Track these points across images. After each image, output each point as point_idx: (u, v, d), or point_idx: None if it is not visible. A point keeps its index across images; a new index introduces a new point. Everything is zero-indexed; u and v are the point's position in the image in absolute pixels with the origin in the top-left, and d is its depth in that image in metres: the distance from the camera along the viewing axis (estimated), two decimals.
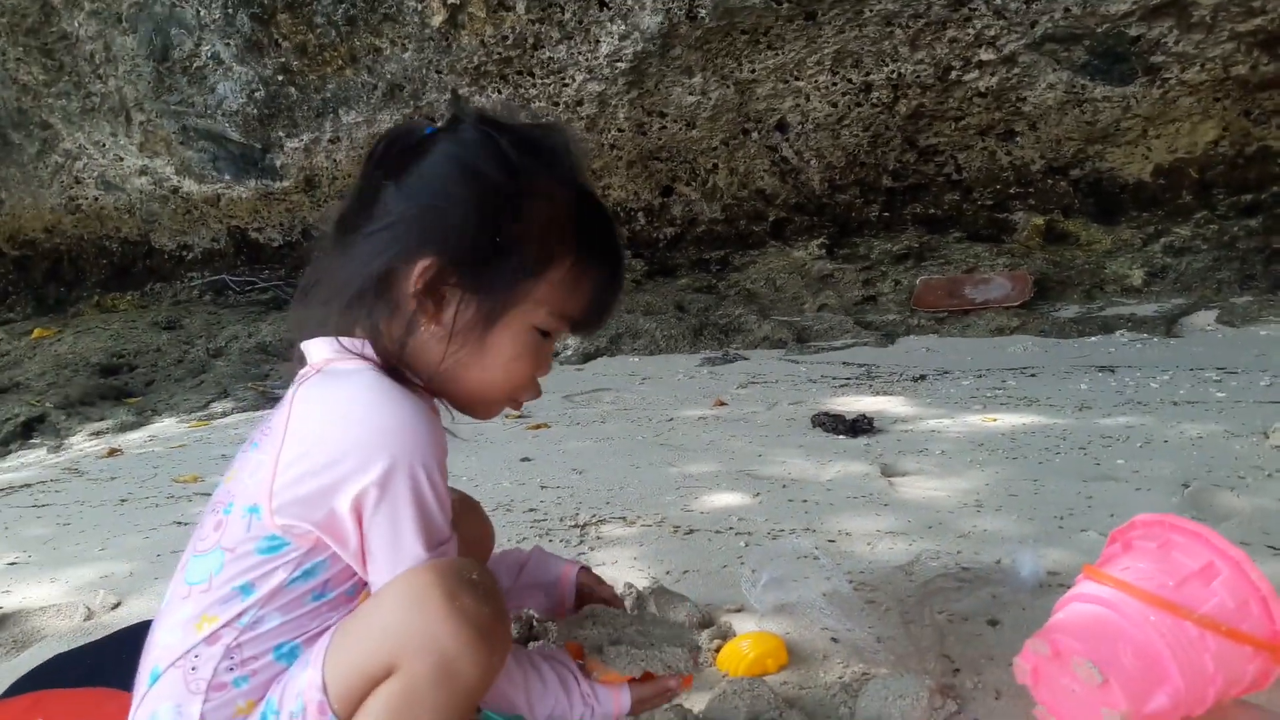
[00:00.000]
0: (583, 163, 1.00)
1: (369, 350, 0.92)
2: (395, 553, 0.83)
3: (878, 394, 3.20)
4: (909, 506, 1.95)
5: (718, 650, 1.34)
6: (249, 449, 0.93)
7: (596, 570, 1.56)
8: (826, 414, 2.67)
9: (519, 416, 3.28)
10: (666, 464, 2.47)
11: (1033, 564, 1.49)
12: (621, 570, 1.69)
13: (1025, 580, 1.47)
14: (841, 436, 2.56)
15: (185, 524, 2.34)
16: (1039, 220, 5.00)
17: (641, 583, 1.57)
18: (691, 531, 1.90)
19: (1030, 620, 1.31)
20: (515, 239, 0.91)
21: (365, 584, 0.89)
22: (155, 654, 0.89)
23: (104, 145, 6.18)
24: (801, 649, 1.34)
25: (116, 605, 1.84)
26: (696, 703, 1.20)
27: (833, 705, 1.18)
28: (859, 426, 2.58)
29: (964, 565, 1.60)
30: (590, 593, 1.37)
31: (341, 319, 0.93)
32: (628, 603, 1.44)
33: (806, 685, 1.25)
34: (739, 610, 1.49)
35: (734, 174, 5.57)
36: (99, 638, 1.51)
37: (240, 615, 0.86)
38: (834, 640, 1.35)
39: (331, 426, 0.86)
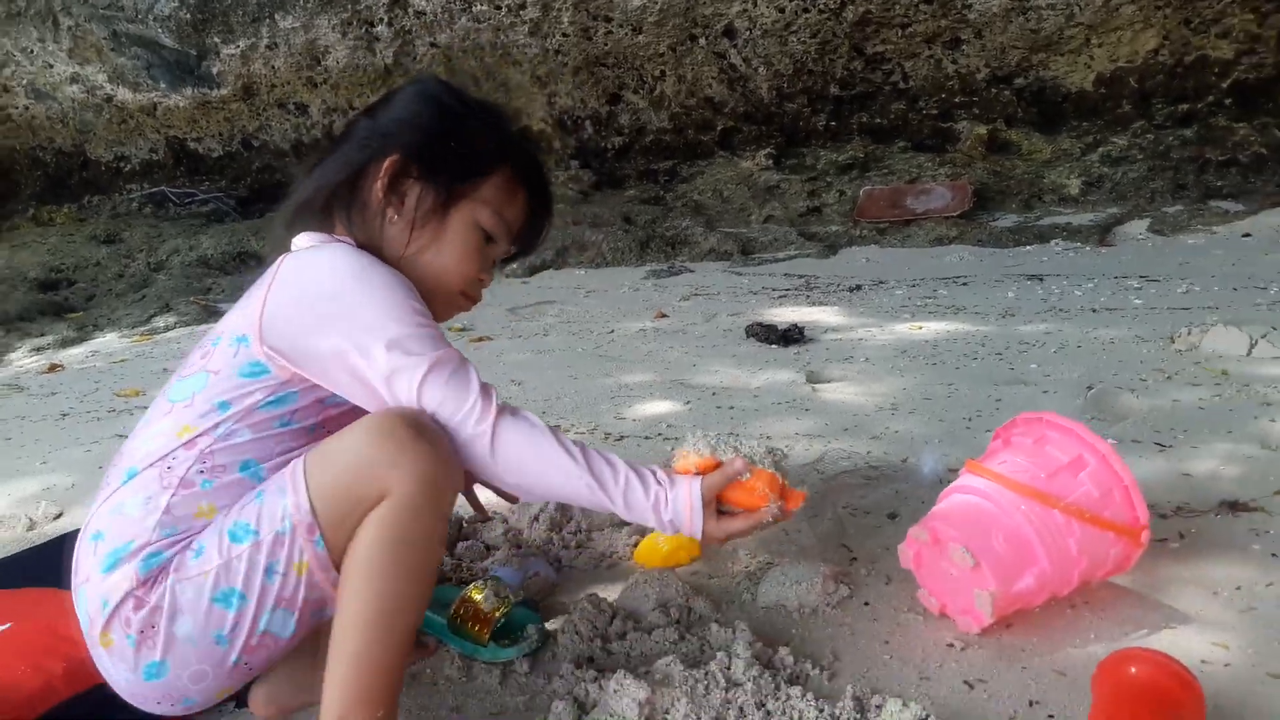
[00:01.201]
0: (510, 120, 1.18)
1: (347, 240, 1.07)
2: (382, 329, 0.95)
3: (814, 305, 3.27)
4: (829, 410, 2.03)
5: (635, 545, 1.43)
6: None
7: None
8: (760, 324, 2.74)
9: (462, 329, 3.32)
10: (604, 374, 2.53)
11: (933, 462, 1.58)
12: None
13: (926, 477, 1.56)
14: (773, 346, 2.64)
15: (126, 436, 2.37)
16: (982, 130, 5.05)
17: None
18: (623, 438, 1.97)
19: (926, 514, 1.40)
20: (465, 144, 1.08)
21: (323, 423, 1.02)
22: (131, 459, 0.98)
23: (32, 52, 5.95)
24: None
25: (59, 516, 1.88)
26: (610, 592, 1.28)
27: (736, 592, 1.27)
28: (790, 336, 2.65)
29: (872, 464, 1.69)
30: None
31: (320, 220, 1.08)
32: (550, 508, 1.51)
33: (715, 575, 1.33)
34: None
35: (682, 81, 5.52)
36: (38, 545, 1.55)
37: (216, 426, 0.97)
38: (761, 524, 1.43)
39: (318, 275, 1.00)
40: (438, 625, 1.17)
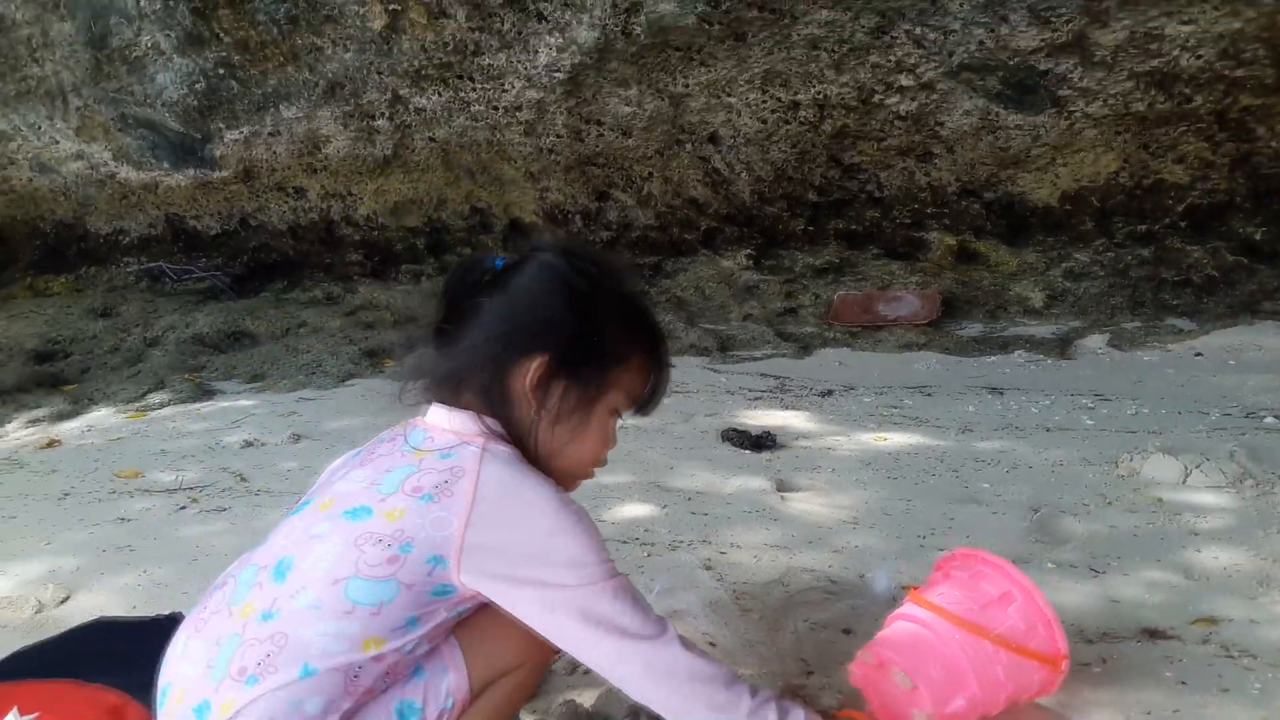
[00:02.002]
0: (630, 278, 1.27)
1: (498, 427, 1.12)
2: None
3: (787, 408, 3.44)
4: (794, 522, 2.18)
5: None
6: (373, 480, 1.10)
7: None
8: (734, 430, 2.90)
9: None
10: None
11: (886, 580, 1.73)
12: None
13: (879, 594, 1.71)
14: (747, 451, 2.79)
15: (128, 520, 2.48)
16: (951, 240, 5.30)
17: None
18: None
19: (879, 630, 1.54)
20: (603, 338, 1.14)
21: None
22: (304, 651, 0.99)
23: (39, 128, 6.15)
24: None
25: (65, 599, 1.98)
26: (587, 699, 1.41)
27: None
28: (762, 442, 2.81)
29: (832, 578, 1.83)
30: None
31: (451, 396, 1.15)
32: None
33: None
34: None
35: (668, 182, 5.77)
36: (54, 634, 1.65)
37: (405, 644, 1.03)
38: (711, 644, 1.57)
39: (514, 515, 1.06)
40: None
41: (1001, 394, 3.49)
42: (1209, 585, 1.75)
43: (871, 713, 1.30)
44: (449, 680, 1.05)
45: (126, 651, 1.37)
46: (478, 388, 1.13)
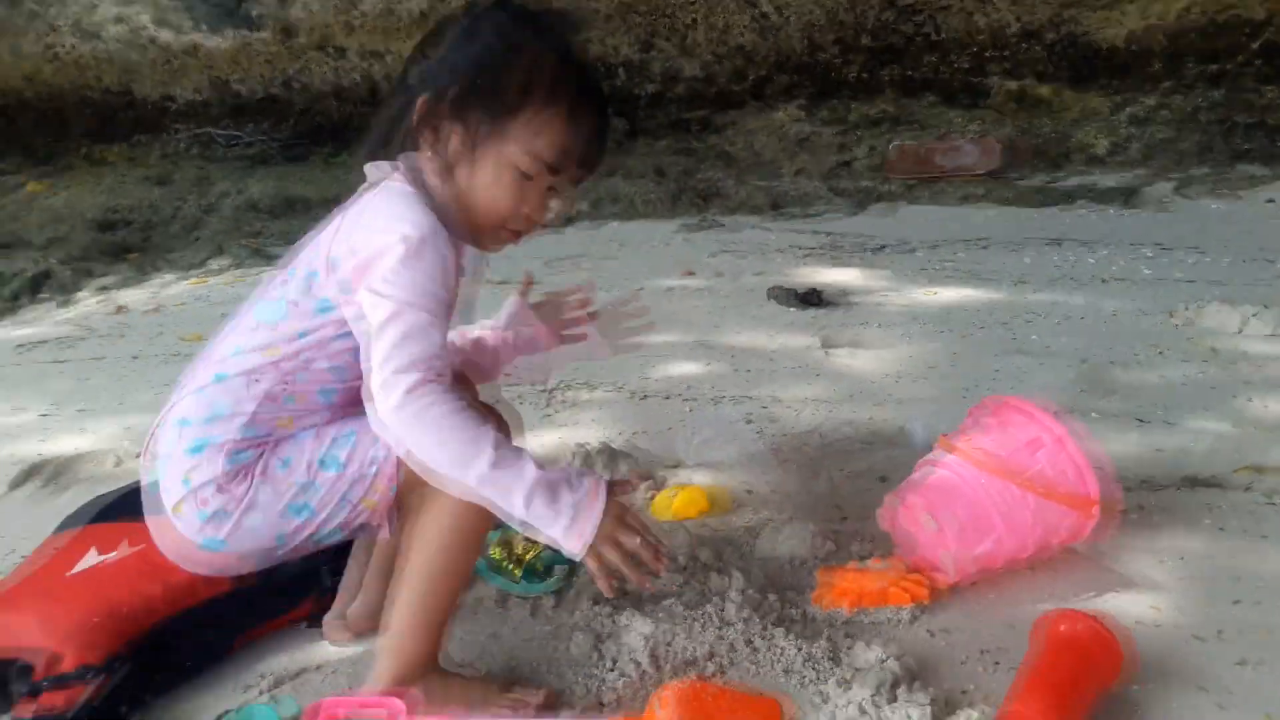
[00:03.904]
0: (575, 37, 1.18)
1: (407, 173, 1.14)
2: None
3: (837, 265, 3.40)
4: (837, 376, 2.19)
5: (651, 499, 1.61)
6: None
7: (558, 431, 1.82)
8: (781, 288, 2.88)
9: (502, 282, 3.48)
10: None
11: (923, 430, 1.74)
12: (579, 432, 1.94)
13: (916, 444, 1.72)
14: (793, 309, 2.78)
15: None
16: (1012, 85, 5.08)
17: (594, 442, 1.82)
18: (646, 397, 2.14)
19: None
20: (495, 84, 1.11)
21: None
22: (221, 365, 1.13)
23: None
24: (720, 499, 1.60)
25: (139, 455, 2.09)
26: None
27: (736, 545, 1.45)
28: (809, 300, 2.80)
29: (871, 430, 1.85)
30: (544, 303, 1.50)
31: (385, 150, 1.18)
32: (575, 461, 1.70)
33: (718, 529, 1.51)
34: (675, 466, 1.75)
35: (713, 29, 5.57)
36: (126, 484, 1.75)
37: (300, 352, 1.12)
38: (748, 492, 1.62)
39: (368, 221, 1.11)
40: (479, 565, 1.36)
41: (1060, 245, 3.40)
42: (1257, 434, 1.74)
43: (901, 556, 1.33)
44: (377, 451, 1.10)
45: None
46: (394, 136, 1.16)
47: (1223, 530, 1.41)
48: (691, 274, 3.49)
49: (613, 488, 1.08)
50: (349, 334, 1.12)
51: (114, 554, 1.37)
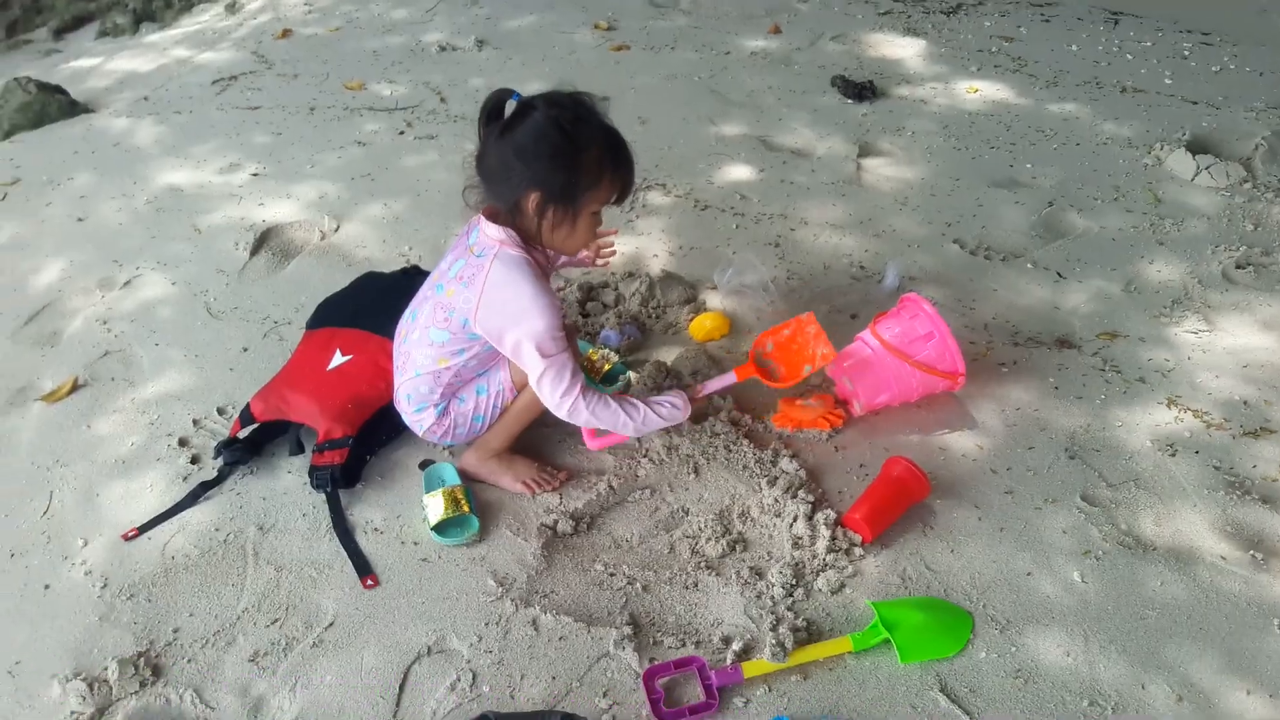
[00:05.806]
0: (602, 111, 1.77)
1: (515, 235, 1.76)
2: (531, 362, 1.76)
3: (906, 33, 3.76)
4: (857, 199, 2.80)
5: (690, 320, 2.37)
6: (448, 267, 1.86)
7: (636, 239, 2.55)
8: (842, 77, 3.36)
9: (607, 28, 3.97)
10: (709, 121, 3.27)
11: (894, 276, 2.42)
12: (653, 241, 2.65)
13: (886, 287, 2.42)
14: (850, 102, 3.29)
15: (364, 143, 3.27)
16: None
17: (662, 255, 2.56)
18: (706, 208, 2.81)
19: (870, 323, 2.28)
20: (578, 177, 1.69)
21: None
22: (417, 364, 1.88)
23: None
24: (739, 323, 2.36)
25: (338, 229, 2.89)
26: (667, 356, 2.27)
27: (742, 359, 2.22)
28: (864, 93, 3.29)
29: (861, 265, 2.53)
30: None
31: (488, 210, 1.80)
32: (642, 287, 2.44)
33: (731, 350, 2.28)
34: (713, 288, 2.49)
35: None
36: (346, 287, 2.41)
37: (464, 362, 1.86)
38: (757, 318, 2.36)
39: (509, 295, 1.73)
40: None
41: (1116, 24, 3.67)
42: (1133, 299, 2.35)
43: (833, 395, 2.12)
44: (502, 376, 1.90)
45: (388, 306, 2.15)
46: (502, 208, 1.75)
47: (1056, 389, 2.11)
48: (778, 30, 3.91)
49: (691, 400, 1.91)
50: (488, 347, 1.81)
51: (351, 356, 2.15)
